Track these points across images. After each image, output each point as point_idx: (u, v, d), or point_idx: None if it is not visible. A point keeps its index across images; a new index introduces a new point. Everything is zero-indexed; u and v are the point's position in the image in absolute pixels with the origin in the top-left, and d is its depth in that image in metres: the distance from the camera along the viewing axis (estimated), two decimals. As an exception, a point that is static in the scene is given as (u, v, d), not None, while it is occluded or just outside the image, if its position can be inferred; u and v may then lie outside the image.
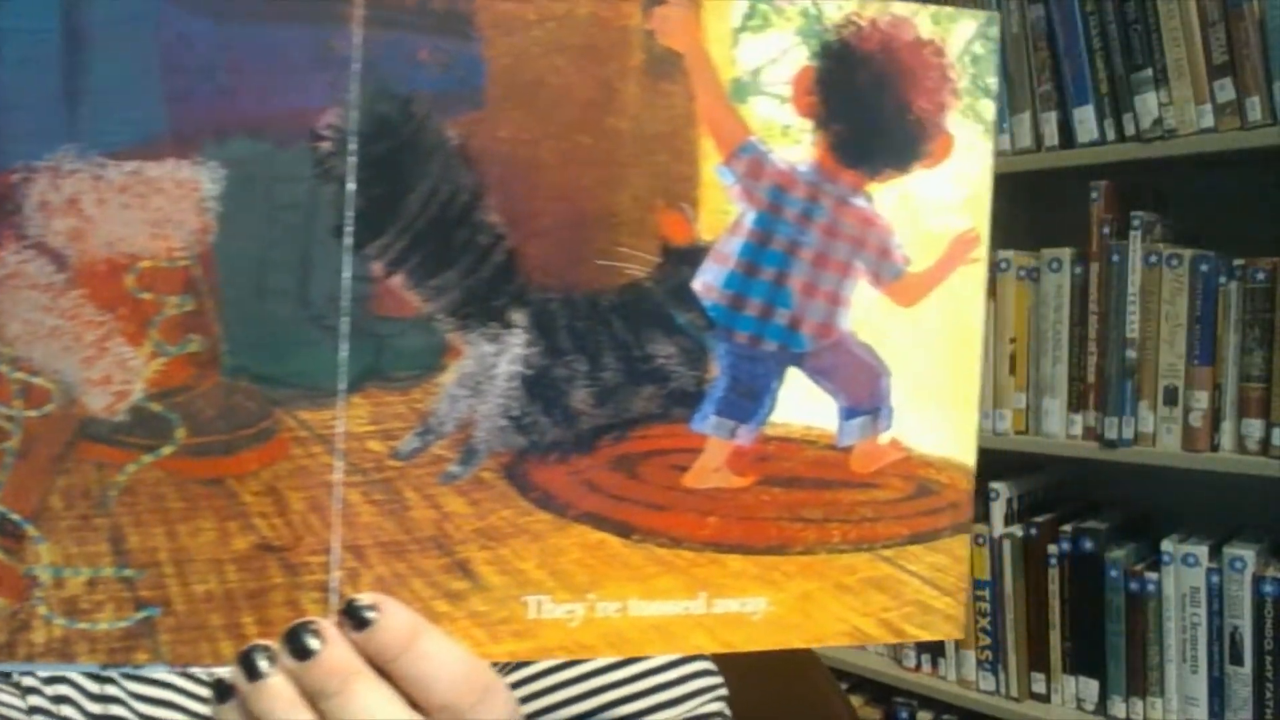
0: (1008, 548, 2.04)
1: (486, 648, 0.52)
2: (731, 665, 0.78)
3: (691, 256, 0.52)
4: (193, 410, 0.48)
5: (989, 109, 0.55)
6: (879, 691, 2.28)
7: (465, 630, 0.51)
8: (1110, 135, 1.92)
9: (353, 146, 0.47)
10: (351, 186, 0.47)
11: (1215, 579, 1.83)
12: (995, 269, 2.00)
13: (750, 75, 0.52)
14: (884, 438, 0.56)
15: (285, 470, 0.49)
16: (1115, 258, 1.90)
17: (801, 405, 0.55)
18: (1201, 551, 1.85)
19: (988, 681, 2.08)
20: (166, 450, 0.48)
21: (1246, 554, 1.80)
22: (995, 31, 0.55)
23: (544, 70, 0.50)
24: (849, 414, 0.55)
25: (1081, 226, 1.95)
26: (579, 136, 0.50)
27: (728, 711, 0.79)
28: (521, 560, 0.52)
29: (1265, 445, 1.77)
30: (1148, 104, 1.87)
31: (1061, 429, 1.99)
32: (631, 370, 0.52)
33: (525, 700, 0.74)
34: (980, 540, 2.07)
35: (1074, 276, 1.96)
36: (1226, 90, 1.79)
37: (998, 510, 2.07)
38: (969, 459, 0.57)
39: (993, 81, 0.55)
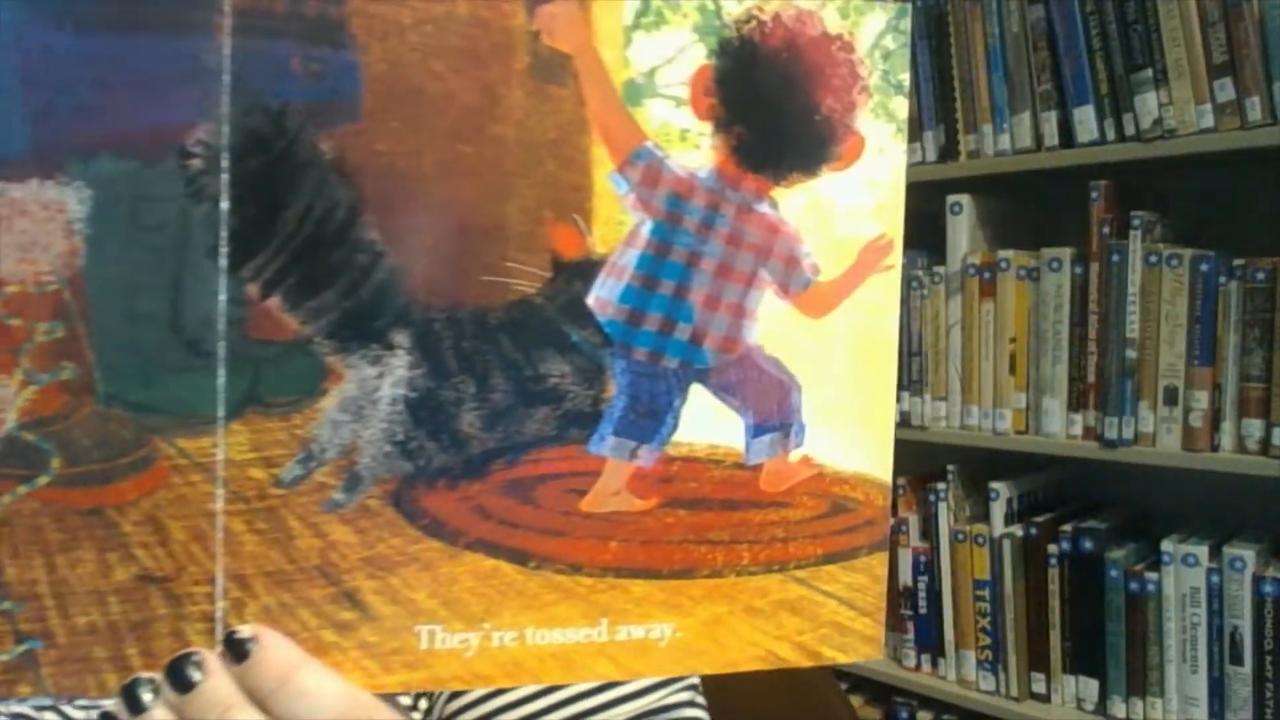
0: (1008, 548, 2.02)
1: (378, 679, 0.50)
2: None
3: (585, 270, 0.50)
4: (68, 439, 0.46)
5: (901, 107, 0.53)
6: (879, 691, 2.27)
7: (356, 661, 0.49)
8: (1110, 135, 1.90)
9: (225, 163, 0.45)
10: (225, 205, 0.46)
11: (1215, 579, 1.81)
12: (996, 268, 1.98)
13: (645, 76, 0.50)
14: (795, 455, 0.54)
15: (165, 499, 0.47)
16: (1115, 258, 1.88)
17: (706, 423, 0.53)
18: (1201, 551, 1.83)
19: (988, 681, 2.06)
20: (43, 481, 0.46)
21: (1246, 554, 1.78)
22: (907, 24, 0.53)
23: (422, 77, 0.48)
24: (757, 431, 0.53)
25: (1081, 226, 1.93)
26: (461, 146, 0.48)
27: (700, 699, 0.76)
28: (412, 590, 0.50)
29: (1265, 445, 1.74)
30: (1148, 104, 1.84)
31: (1061, 429, 1.96)
32: (523, 391, 0.50)
33: (471, 705, 0.72)
34: (980, 540, 2.05)
35: (1074, 276, 1.94)
36: (1226, 90, 1.77)
37: (998, 510, 2.05)
38: (885, 475, 0.55)
39: (905, 78, 0.53)
